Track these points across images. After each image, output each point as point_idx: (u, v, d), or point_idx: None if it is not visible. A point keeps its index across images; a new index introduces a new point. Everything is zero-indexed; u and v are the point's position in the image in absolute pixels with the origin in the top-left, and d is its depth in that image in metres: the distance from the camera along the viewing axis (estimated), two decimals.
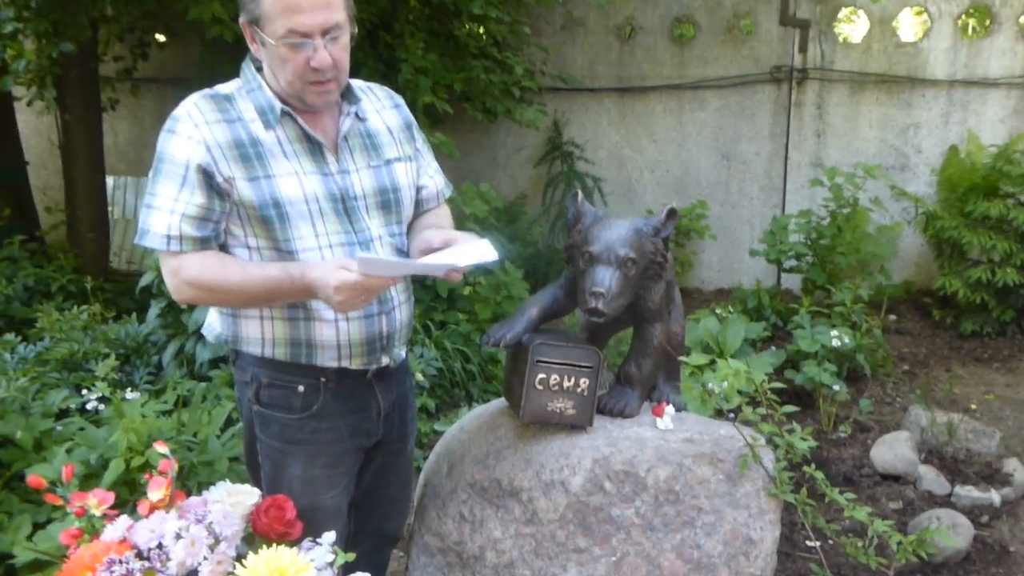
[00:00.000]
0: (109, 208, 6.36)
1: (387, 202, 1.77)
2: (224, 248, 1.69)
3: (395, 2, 5.50)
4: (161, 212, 1.60)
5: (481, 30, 5.86)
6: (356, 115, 1.75)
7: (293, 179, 1.64)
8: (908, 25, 7.51)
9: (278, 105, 1.64)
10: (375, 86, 1.90)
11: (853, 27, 8.13)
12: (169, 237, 1.60)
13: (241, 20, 1.62)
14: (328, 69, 1.59)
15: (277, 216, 1.63)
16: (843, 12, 6.11)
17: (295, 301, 1.67)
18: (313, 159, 1.68)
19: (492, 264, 1.70)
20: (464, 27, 5.61)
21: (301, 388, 1.75)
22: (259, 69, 1.70)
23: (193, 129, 1.59)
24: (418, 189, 1.90)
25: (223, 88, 1.69)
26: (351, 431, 1.83)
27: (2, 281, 4.96)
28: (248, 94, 1.66)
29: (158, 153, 1.62)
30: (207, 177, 1.59)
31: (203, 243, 1.63)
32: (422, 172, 1.91)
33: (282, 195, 1.62)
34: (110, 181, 6.58)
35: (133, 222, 6.85)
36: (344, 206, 1.70)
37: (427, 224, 1.88)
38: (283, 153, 1.65)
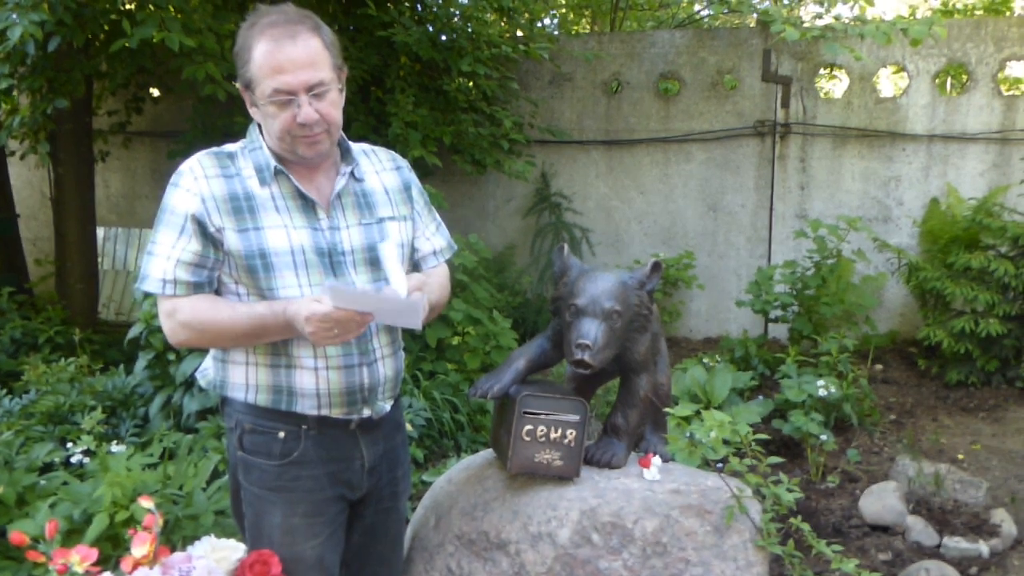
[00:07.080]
0: (99, 259, 6.36)
1: (375, 259, 1.80)
2: (217, 294, 1.77)
3: (386, 58, 5.64)
4: (159, 258, 1.70)
5: (471, 84, 5.98)
6: (352, 175, 1.82)
7: (281, 232, 1.72)
8: (888, 82, 7.70)
9: (273, 163, 1.73)
10: (380, 150, 1.97)
11: (834, 83, 8.34)
12: (165, 281, 1.69)
13: (239, 85, 1.74)
14: (315, 124, 1.67)
15: (262, 266, 1.70)
16: (824, 69, 6.28)
17: (281, 338, 1.73)
18: (304, 215, 1.75)
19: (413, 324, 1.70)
20: (454, 82, 5.72)
21: (282, 435, 1.78)
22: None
23: (192, 182, 1.70)
24: (414, 250, 1.95)
25: (229, 146, 1.79)
26: (332, 480, 1.83)
27: None
28: (250, 153, 1.77)
29: (162, 205, 1.73)
30: (200, 226, 1.68)
31: (196, 288, 1.71)
32: (418, 234, 1.96)
33: (268, 246, 1.70)
34: (100, 232, 6.61)
35: (123, 273, 6.86)
36: (331, 260, 1.75)
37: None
38: (275, 208, 1.73)
